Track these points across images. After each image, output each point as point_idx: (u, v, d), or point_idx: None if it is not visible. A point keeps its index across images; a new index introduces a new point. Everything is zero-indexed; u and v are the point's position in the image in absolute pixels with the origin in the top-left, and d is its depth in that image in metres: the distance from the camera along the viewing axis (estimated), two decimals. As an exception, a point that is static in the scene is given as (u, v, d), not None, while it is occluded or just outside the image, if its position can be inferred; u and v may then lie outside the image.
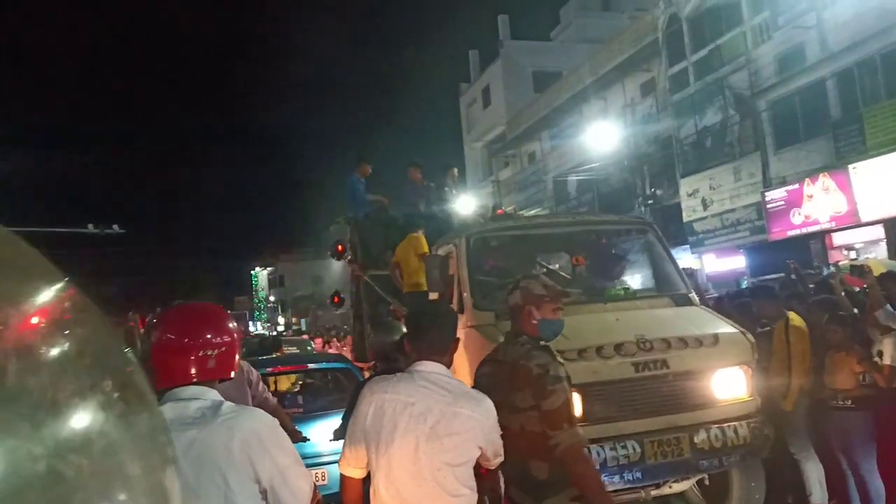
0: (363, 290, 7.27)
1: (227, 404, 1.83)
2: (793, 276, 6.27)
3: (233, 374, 1.92)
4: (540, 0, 33.37)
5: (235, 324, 1.99)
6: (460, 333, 4.72)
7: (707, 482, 4.42)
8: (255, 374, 3.89)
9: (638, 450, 3.79)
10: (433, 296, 5.14)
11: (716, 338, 4.14)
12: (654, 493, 4.10)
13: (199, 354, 1.82)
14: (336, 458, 5.05)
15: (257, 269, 65.49)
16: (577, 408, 3.88)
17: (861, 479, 4.34)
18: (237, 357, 1.95)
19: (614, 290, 4.68)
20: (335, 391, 6.50)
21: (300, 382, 7.73)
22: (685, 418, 3.97)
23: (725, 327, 4.30)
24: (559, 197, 24.93)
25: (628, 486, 3.85)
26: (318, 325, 26.61)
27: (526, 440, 2.49)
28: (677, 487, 4.26)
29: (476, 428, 2.22)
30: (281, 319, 55.51)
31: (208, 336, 1.85)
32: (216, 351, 1.84)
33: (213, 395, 1.83)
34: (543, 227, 5.19)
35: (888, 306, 4.57)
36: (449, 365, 2.39)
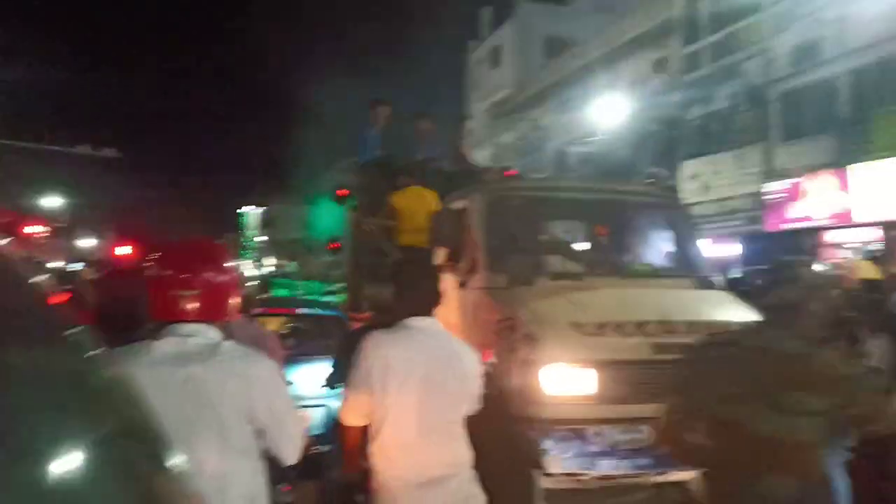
0: (362, 238, 6.99)
1: (227, 344, 1.81)
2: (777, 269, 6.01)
3: (234, 318, 1.92)
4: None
5: (235, 263, 2.00)
6: (469, 295, 4.54)
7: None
8: (275, 355, 3.57)
9: (650, 435, 3.53)
10: (440, 253, 4.89)
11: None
12: (657, 479, 3.95)
13: (197, 292, 1.78)
14: (319, 402, 4.87)
15: (246, 208, 64.64)
16: (592, 386, 3.69)
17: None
18: (237, 299, 1.92)
19: (636, 266, 4.45)
20: (322, 338, 6.30)
21: (288, 325, 7.46)
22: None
23: (751, 316, 4.04)
24: (558, 167, 24.50)
25: (635, 472, 3.69)
26: (307, 269, 26.33)
27: (773, 450, 1.96)
28: (681, 476, 4.10)
29: (469, 380, 2.36)
30: (272, 260, 55.06)
31: (208, 274, 1.82)
32: (214, 290, 1.81)
33: (211, 333, 1.81)
34: (568, 190, 4.81)
35: None
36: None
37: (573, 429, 3.53)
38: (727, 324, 3.85)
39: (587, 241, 5.09)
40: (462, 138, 7.67)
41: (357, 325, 4.55)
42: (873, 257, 4.90)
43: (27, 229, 20.74)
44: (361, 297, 6.16)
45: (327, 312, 6.79)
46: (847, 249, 15.74)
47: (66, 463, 0.73)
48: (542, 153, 25.04)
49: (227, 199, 65.42)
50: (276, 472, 2.13)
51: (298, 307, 7.48)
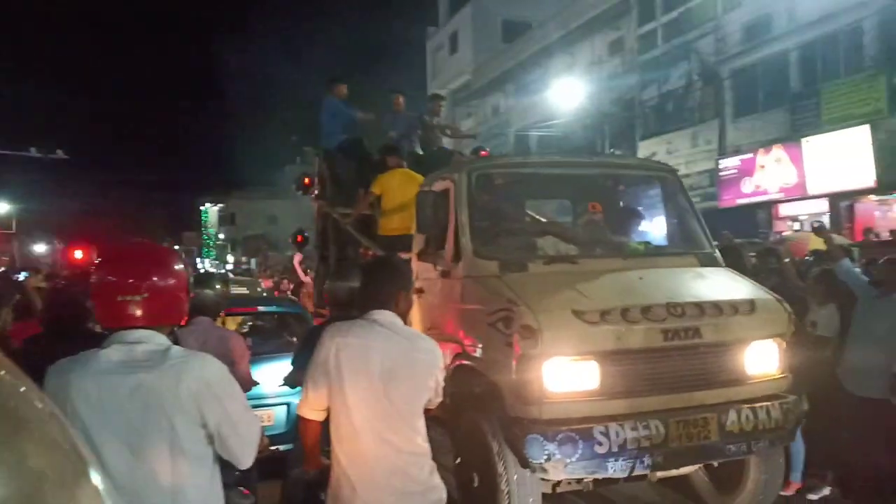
0: (331, 229, 6.43)
1: (177, 349, 1.75)
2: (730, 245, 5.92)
3: (183, 321, 1.86)
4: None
5: (183, 266, 1.84)
6: (454, 285, 4.08)
7: (716, 464, 3.78)
8: (243, 356, 3.54)
9: (662, 430, 3.12)
10: (419, 238, 4.39)
11: (752, 305, 3.46)
12: (659, 474, 3.59)
13: (144, 297, 1.71)
14: (281, 400, 4.85)
15: (208, 204, 62.62)
16: (596, 379, 3.18)
17: None
18: (186, 303, 1.83)
19: (634, 245, 4.03)
20: (284, 335, 6.11)
21: (249, 324, 7.28)
22: (714, 395, 3.33)
23: (761, 293, 3.63)
24: (519, 152, 24.18)
25: (646, 471, 3.30)
26: (268, 265, 25.43)
27: None
28: (683, 469, 3.74)
29: (429, 371, 2.29)
30: (230, 258, 53.57)
31: (155, 278, 1.74)
32: (161, 294, 1.74)
33: (160, 338, 1.74)
34: (558, 166, 4.30)
35: (846, 260, 4.51)
36: (403, 316, 2.38)
37: (578, 429, 3.11)
38: (736, 302, 3.49)
39: (580, 220, 4.62)
40: (435, 118, 7.14)
41: (319, 321, 4.30)
42: (815, 228, 4.71)
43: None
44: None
45: (289, 309, 6.52)
46: (800, 222, 15.88)
47: None
48: (503, 139, 24.65)
49: (188, 196, 63.19)
50: (234, 475, 2.07)
51: (259, 305, 7.16)
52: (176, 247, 41.85)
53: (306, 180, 6.84)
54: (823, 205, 15.13)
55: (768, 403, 3.42)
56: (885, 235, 12.76)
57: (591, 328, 3.14)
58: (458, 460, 3.74)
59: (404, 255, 4.76)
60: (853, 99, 14.03)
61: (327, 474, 2.32)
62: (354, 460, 2.20)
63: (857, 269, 4.78)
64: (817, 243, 6.13)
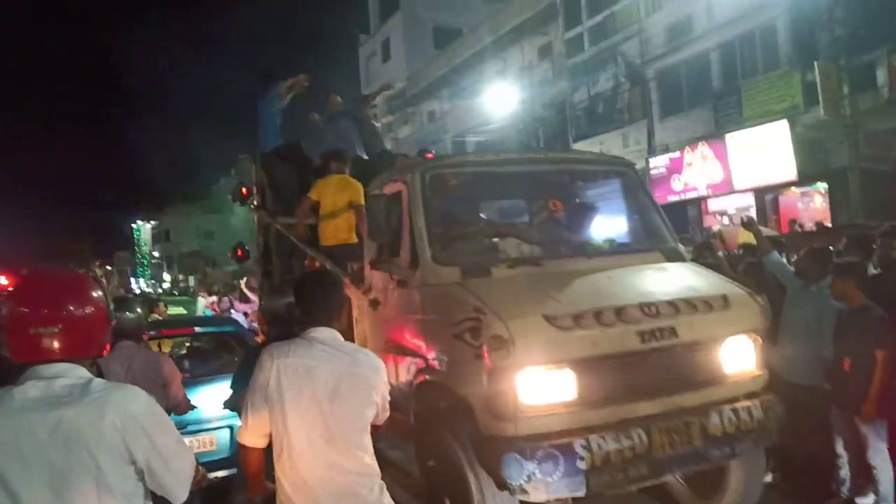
0: (273, 241, 5.95)
1: (98, 381, 1.63)
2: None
3: (105, 351, 1.74)
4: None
5: (101, 293, 1.72)
6: (412, 294, 3.73)
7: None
8: (174, 377, 3.43)
9: (644, 439, 2.86)
10: (371, 246, 4.00)
11: (725, 300, 3.26)
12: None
13: (59, 328, 1.61)
14: (223, 423, 4.70)
15: (140, 222, 59.67)
16: (572, 388, 2.87)
17: None
18: (107, 332, 1.73)
19: (599, 243, 3.77)
20: (223, 355, 5.80)
21: (186, 345, 7.01)
22: (694, 397, 3.10)
23: (732, 287, 3.44)
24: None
25: (631, 485, 3.03)
26: (207, 282, 24.27)
27: None
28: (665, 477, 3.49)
29: (373, 386, 2.20)
30: (167, 276, 51.16)
31: (70, 308, 1.64)
32: (78, 324, 1.64)
33: (80, 371, 1.64)
34: (514, 164, 4.00)
35: (775, 253, 4.57)
36: (341, 329, 2.29)
37: (558, 444, 2.80)
38: (710, 298, 3.27)
39: (537, 218, 4.33)
40: (370, 118, 6.72)
41: (261, 340, 4.10)
42: (744, 223, 4.74)
43: None
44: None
45: (226, 329, 6.18)
46: (728, 216, 16.33)
47: None
48: (441, 144, 24.43)
49: (119, 213, 59.96)
50: None
51: (195, 325, 6.73)
52: (108, 267, 39.61)
53: (243, 190, 6.33)
54: (749, 199, 15.57)
55: (749, 403, 3.22)
56: (810, 226, 13.25)
57: (564, 334, 2.85)
58: (427, 483, 3.39)
59: (354, 265, 4.39)
60: (771, 95, 14.49)
61: (272, 500, 2.22)
62: (299, 486, 2.10)
63: (784, 260, 4.87)
64: (746, 237, 6.23)
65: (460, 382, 3.08)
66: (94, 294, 1.70)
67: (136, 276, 56.51)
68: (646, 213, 4.08)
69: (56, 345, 1.61)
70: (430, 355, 3.28)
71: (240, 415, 2.28)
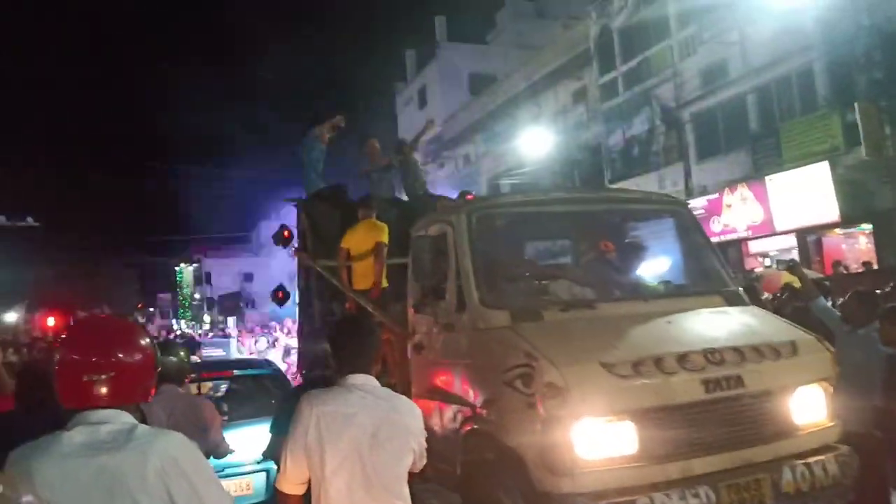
0: (314, 283, 5.95)
1: (142, 428, 1.65)
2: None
3: (150, 397, 1.76)
4: (476, 2, 32.16)
5: (149, 340, 1.76)
6: (459, 339, 3.59)
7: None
8: (214, 421, 3.38)
9: (712, 498, 2.62)
10: (414, 288, 3.89)
11: (794, 346, 3.05)
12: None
13: (109, 375, 1.63)
14: (260, 467, 4.65)
15: (182, 265, 61.12)
16: (633, 441, 2.66)
17: None
18: (153, 379, 1.75)
19: (656, 286, 3.58)
20: (262, 398, 5.71)
21: (224, 388, 6.77)
22: (764, 452, 2.87)
23: (800, 333, 3.22)
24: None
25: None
26: (245, 324, 24.49)
27: None
28: None
29: (411, 433, 2.19)
30: (207, 318, 51.97)
31: (120, 356, 1.65)
32: (127, 372, 1.65)
33: (125, 417, 1.65)
34: (564, 203, 3.89)
35: (822, 298, 4.44)
36: (376, 375, 2.27)
37: (619, 503, 2.59)
38: (777, 345, 3.05)
39: (584, 258, 4.16)
40: (409, 163, 6.74)
41: (297, 382, 4.03)
42: (789, 266, 4.52)
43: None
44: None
45: (265, 371, 6.14)
46: (770, 257, 15.86)
47: None
48: (476, 187, 24.56)
49: (163, 257, 61.51)
50: None
51: (234, 368, 6.75)
52: (150, 308, 40.41)
53: (286, 232, 6.35)
54: (791, 240, 15.16)
55: (823, 457, 2.95)
56: (855, 267, 12.74)
57: (623, 382, 2.67)
58: None
59: (396, 306, 4.30)
60: (811, 137, 14.22)
61: None
62: None
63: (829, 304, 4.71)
64: (789, 278, 5.99)
65: (511, 433, 2.90)
66: (143, 342, 1.73)
67: (177, 317, 57.57)
68: (702, 255, 3.87)
69: (104, 391, 1.63)
70: (478, 403, 3.12)
71: (278, 464, 2.23)
